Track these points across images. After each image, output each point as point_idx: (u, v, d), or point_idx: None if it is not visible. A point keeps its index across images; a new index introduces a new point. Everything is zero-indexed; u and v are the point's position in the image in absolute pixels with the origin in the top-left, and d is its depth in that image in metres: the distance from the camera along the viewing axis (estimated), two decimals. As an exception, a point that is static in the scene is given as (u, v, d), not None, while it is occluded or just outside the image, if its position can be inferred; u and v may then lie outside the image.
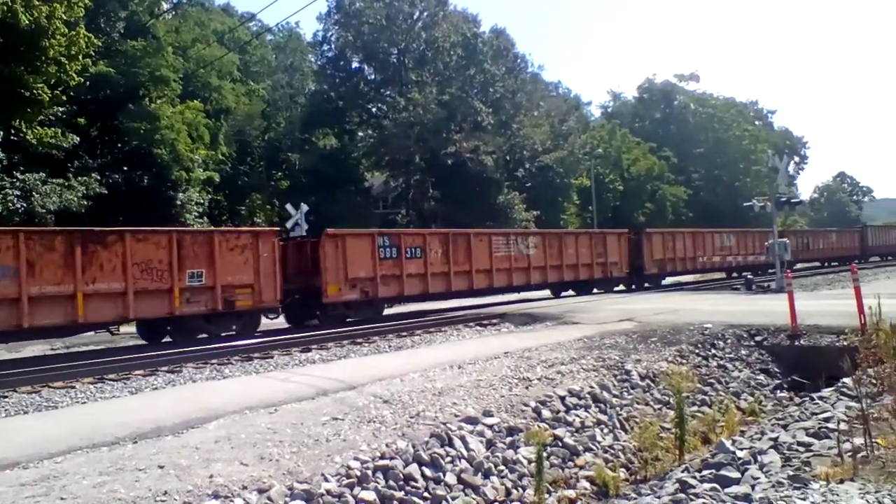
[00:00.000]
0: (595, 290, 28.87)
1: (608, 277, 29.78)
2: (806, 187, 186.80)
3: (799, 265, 43.97)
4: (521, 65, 55.89)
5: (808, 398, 9.23)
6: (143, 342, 17.79)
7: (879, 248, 57.58)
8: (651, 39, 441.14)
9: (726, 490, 5.75)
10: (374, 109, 51.64)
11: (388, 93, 50.59)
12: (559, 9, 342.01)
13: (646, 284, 32.31)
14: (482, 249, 24.21)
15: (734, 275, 40.06)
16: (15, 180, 24.65)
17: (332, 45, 50.55)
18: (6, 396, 10.64)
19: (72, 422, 8.08)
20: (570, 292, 28.73)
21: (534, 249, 26.30)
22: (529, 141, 50.41)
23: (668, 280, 35.23)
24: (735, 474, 6.13)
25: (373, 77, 51.69)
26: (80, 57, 24.21)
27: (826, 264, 48.92)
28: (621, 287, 31.40)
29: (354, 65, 51.14)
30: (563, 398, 9.25)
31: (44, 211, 24.71)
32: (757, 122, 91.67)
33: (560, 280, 27.78)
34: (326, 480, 6.17)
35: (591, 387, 9.83)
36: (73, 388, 11.28)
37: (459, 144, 44.05)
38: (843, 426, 6.81)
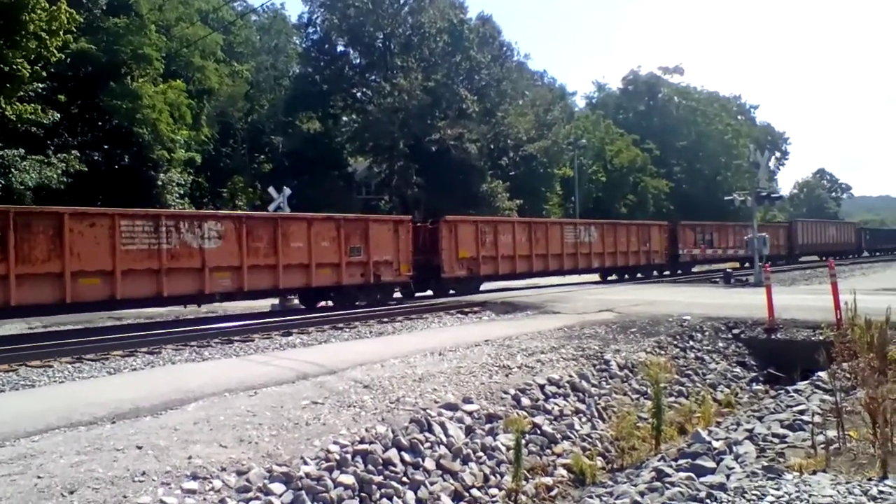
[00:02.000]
0: (359, 303, 21.16)
1: (372, 283, 21.39)
2: (786, 183, 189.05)
3: (697, 269, 37.54)
4: (506, 53, 55.89)
5: (783, 391, 9.34)
6: (123, 322, 17.41)
7: (812, 246, 50.33)
8: (637, 32, 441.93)
9: (701, 479, 5.82)
10: (358, 94, 51.40)
11: (372, 77, 50.36)
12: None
13: (451, 291, 24.52)
14: (97, 240, 15.65)
15: (612, 276, 33.85)
16: (-8, 156, 24.32)
17: (318, 28, 50.20)
18: (-19, 375, 10.53)
19: (49, 401, 8.00)
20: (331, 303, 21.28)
21: (216, 242, 17.71)
22: (514, 129, 50.47)
23: (498, 283, 27.64)
24: (710, 464, 6.20)
25: (358, 61, 51.39)
26: (61, 32, 23.96)
27: (744, 265, 38.53)
28: (429, 293, 24.36)
29: (339, 48, 50.84)
30: (542, 386, 9.30)
31: (22, 188, 24.41)
32: (739, 117, 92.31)
33: (274, 286, 19.29)
34: (306, 463, 6.17)
35: (571, 376, 9.90)
36: (51, 367, 11.19)
37: (444, 131, 43.99)
38: (817, 419, 6.90)
